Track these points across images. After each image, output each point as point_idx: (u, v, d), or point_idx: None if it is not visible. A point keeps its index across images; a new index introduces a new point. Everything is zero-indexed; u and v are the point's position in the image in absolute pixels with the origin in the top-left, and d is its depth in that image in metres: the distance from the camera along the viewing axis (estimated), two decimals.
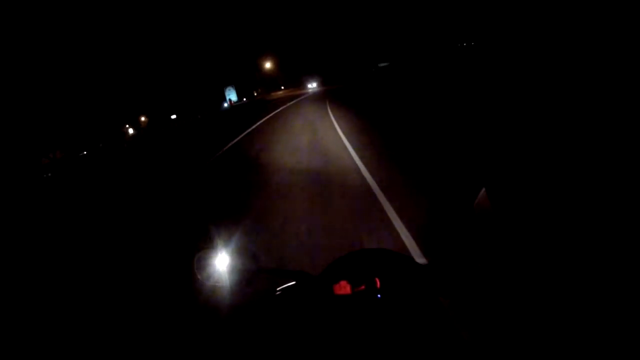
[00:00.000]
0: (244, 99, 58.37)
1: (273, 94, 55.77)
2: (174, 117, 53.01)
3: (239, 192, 5.39)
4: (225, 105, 49.62)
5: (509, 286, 0.75)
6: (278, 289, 0.92)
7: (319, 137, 8.29)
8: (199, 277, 0.96)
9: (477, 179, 3.52)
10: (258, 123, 15.55)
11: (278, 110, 20.11)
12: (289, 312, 0.89)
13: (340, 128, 8.86)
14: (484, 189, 0.83)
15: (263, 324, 0.90)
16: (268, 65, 61.46)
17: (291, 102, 24.11)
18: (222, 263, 0.93)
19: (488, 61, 16.54)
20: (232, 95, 54.80)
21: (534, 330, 0.74)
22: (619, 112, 4.55)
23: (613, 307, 0.78)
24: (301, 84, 50.70)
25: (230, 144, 10.80)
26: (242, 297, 1.55)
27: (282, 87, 66.43)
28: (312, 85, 42.46)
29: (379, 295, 0.82)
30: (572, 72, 8.05)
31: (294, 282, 0.91)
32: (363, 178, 4.53)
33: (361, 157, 5.58)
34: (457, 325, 0.76)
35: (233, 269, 0.92)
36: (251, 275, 0.93)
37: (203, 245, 0.97)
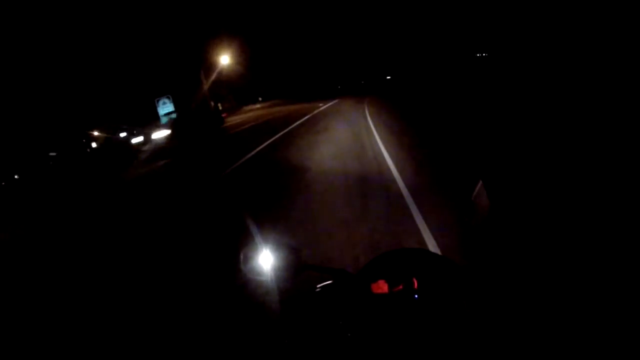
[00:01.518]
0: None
1: (243, 110, 34.90)
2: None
3: None
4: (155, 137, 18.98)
5: (508, 280, 0.80)
6: (318, 286, 0.96)
7: None
8: (244, 272, 1.00)
9: (474, 172, 3.63)
10: None
11: None
12: (328, 309, 0.92)
13: None
14: (481, 182, 0.88)
15: (303, 320, 0.94)
16: (226, 58, 29.93)
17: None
18: (265, 259, 0.98)
19: (486, 59, 17.19)
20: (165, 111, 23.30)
21: (536, 327, 0.75)
22: (615, 106, 4.71)
23: (611, 302, 0.80)
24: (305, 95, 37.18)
25: None
26: (284, 293, 1.61)
27: (260, 99, 46.37)
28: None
29: (416, 296, 0.84)
30: (568, 68, 8.35)
31: (333, 281, 0.97)
32: None
33: None
34: (490, 328, 0.78)
35: (276, 265, 0.97)
36: (293, 271, 0.98)
37: (248, 241, 1.02)
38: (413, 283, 0.86)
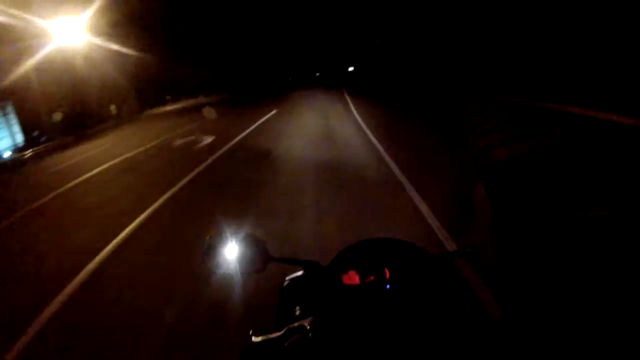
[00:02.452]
0: None
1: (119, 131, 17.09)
2: None
3: None
4: None
5: (509, 273, 0.81)
6: (287, 278, 0.93)
7: None
8: (207, 264, 0.93)
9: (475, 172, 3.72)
10: None
11: None
12: (298, 301, 0.89)
13: None
14: (481, 182, 0.89)
15: (272, 313, 0.90)
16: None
17: None
18: (231, 251, 0.92)
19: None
20: None
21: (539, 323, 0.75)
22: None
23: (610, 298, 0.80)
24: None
25: None
26: (252, 286, 1.53)
27: (169, 98, 33.00)
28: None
29: (388, 286, 0.83)
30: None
31: (302, 272, 0.93)
32: None
33: None
34: (468, 315, 0.80)
35: (242, 257, 0.92)
36: (260, 263, 0.93)
37: (212, 232, 0.94)
38: (385, 273, 0.85)
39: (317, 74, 48.93)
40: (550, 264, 0.83)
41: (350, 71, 46.43)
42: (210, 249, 0.92)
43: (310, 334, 0.79)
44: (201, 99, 30.44)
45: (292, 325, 0.80)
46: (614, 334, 0.74)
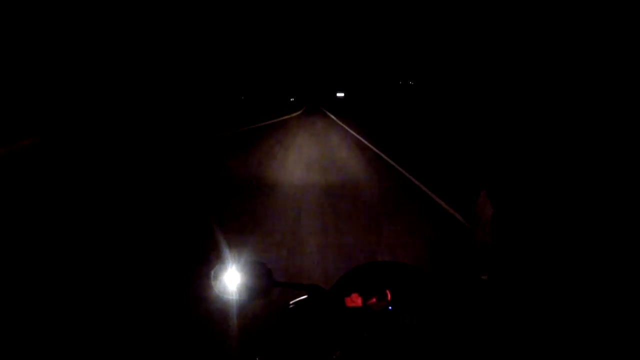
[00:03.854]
0: None
1: None
2: None
3: None
4: None
5: (512, 289, 0.83)
6: (291, 302, 0.95)
7: None
8: (215, 290, 0.95)
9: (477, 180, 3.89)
10: None
11: None
12: (302, 325, 0.90)
13: None
14: (483, 190, 0.92)
15: (276, 337, 0.91)
16: None
17: None
18: (234, 276, 0.94)
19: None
20: None
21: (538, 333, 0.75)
22: (617, 113, 4.95)
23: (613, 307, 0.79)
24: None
25: None
26: (257, 310, 1.51)
27: None
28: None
29: (390, 307, 0.85)
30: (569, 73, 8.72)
31: (306, 296, 0.95)
32: None
33: None
34: (470, 335, 0.80)
35: (247, 283, 0.94)
36: (264, 288, 0.95)
37: (216, 257, 0.97)
38: (386, 295, 0.86)
39: (292, 99, 47.33)
40: (553, 267, 0.83)
41: (340, 97, 46.77)
42: (217, 276, 0.95)
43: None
44: None
45: None
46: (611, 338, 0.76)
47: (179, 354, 2.14)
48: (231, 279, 0.94)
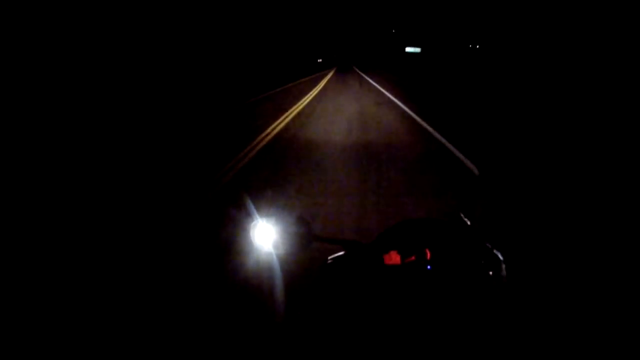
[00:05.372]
0: None
1: None
2: None
3: None
4: None
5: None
6: (329, 257, 0.95)
7: None
8: (256, 244, 0.98)
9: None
10: None
11: None
12: (340, 281, 0.91)
13: None
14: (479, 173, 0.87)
15: (315, 293, 0.93)
16: None
17: None
18: (274, 231, 0.96)
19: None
20: None
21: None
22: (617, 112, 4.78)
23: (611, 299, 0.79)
24: None
25: None
26: (296, 265, 1.60)
27: None
28: None
29: (429, 267, 0.84)
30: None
31: (344, 252, 0.96)
32: None
33: None
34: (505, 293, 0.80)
35: (287, 237, 0.96)
36: (303, 243, 0.96)
37: (260, 214, 0.99)
38: (426, 254, 0.86)
39: (319, 60, 46.81)
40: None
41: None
42: (257, 231, 0.97)
43: None
44: None
45: None
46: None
47: (219, 309, 2.27)
48: (270, 233, 0.96)
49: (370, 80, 23.68)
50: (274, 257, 0.96)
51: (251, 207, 3.52)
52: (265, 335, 1.94)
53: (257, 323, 2.08)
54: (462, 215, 0.99)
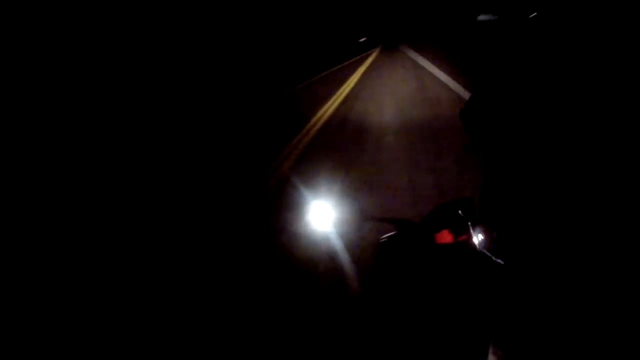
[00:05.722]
0: None
1: None
2: None
3: None
4: None
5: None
6: (382, 237, 0.98)
7: None
8: (313, 225, 1.06)
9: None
10: None
11: None
12: (393, 260, 0.94)
13: None
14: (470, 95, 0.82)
15: (369, 272, 0.98)
16: None
17: None
18: (333, 213, 1.03)
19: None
20: None
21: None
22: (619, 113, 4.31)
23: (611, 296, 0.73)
24: None
25: None
26: (350, 244, 1.68)
27: None
28: None
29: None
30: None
31: (396, 232, 0.99)
32: None
33: None
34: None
35: (343, 218, 1.02)
36: (358, 223, 1.02)
37: (318, 196, 1.07)
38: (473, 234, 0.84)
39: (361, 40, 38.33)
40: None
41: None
42: (312, 212, 1.04)
43: None
44: None
45: None
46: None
47: (277, 289, 2.34)
48: (325, 215, 1.03)
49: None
50: (328, 237, 1.03)
51: (307, 191, 3.62)
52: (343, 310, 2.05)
53: (334, 301, 2.20)
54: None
